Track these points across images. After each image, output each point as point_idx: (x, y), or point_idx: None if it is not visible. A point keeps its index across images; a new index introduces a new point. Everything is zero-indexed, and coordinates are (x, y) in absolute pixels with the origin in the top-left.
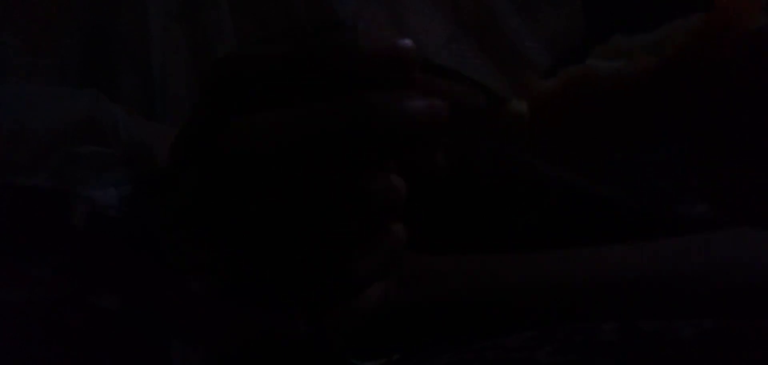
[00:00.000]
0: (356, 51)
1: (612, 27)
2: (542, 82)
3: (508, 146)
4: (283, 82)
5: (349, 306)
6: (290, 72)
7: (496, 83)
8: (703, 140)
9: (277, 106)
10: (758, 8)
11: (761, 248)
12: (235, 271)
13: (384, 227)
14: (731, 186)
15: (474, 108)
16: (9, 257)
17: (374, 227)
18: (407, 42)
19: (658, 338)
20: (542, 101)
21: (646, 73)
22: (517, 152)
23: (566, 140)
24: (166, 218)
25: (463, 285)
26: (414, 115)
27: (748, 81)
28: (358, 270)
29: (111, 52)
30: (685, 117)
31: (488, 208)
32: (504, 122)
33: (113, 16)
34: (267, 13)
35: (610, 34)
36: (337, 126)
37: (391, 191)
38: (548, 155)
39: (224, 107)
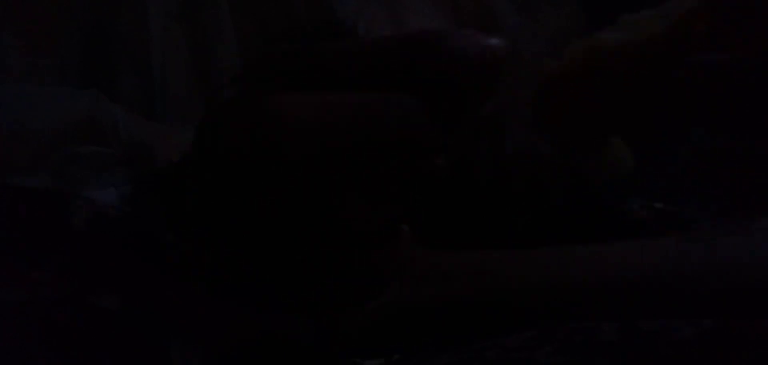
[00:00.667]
0: (445, 49)
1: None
2: (549, 63)
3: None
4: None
5: (363, 306)
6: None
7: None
8: (715, 116)
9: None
10: None
11: (761, 248)
12: (244, 271)
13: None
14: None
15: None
16: (9, 257)
17: (395, 223)
18: (498, 42)
19: (658, 338)
20: (550, 81)
21: (652, 42)
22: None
23: (576, 121)
24: (174, 215)
25: (463, 285)
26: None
27: (759, 44)
28: (377, 269)
29: (111, 52)
30: (695, 88)
31: (488, 208)
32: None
33: (113, 16)
34: (267, 13)
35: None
36: (370, 122)
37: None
38: (557, 137)
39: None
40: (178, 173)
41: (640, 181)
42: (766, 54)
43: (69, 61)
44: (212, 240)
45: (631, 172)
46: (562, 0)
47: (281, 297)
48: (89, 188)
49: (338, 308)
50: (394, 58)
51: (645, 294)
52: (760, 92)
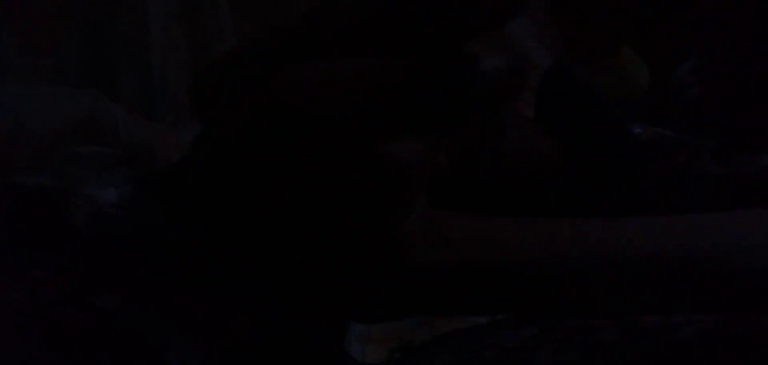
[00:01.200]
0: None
1: None
2: None
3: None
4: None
5: (379, 278)
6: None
7: None
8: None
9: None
10: None
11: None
12: (247, 267)
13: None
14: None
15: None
16: (9, 257)
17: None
18: None
19: (658, 337)
20: None
21: None
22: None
23: (583, 26)
24: (174, 214)
25: (476, 250)
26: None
27: None
28: (392, 239)
29: (111, 52)
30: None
31: (489, 207)
32: None
33: (113, 16)
34: (267, 13)
35: None
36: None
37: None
38: (569, 45)
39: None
40: (184, 168)
41: (644, 106)
42: None
43: (69, 61)
44: (215, 236)
45: (645, 88)
46: None
47: (285, 290)
48: (89, 188)
49: (354, 282)
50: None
51: (656, 271)
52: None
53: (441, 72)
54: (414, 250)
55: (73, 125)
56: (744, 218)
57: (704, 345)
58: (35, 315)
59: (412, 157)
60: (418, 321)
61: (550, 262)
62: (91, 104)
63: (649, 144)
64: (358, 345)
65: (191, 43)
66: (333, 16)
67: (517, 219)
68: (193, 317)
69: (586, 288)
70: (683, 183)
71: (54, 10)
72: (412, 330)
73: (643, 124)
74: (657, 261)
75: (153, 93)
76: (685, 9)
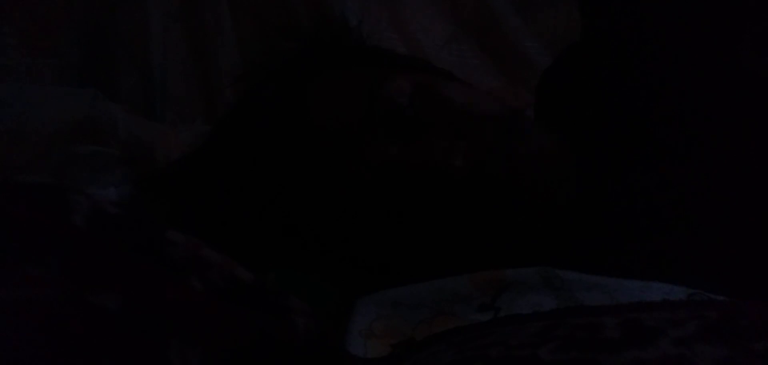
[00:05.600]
0: None
1: (606, 25)
2: None
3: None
4: None
5: None
6: None
7: (496, 83)
8: None
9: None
10: None
11: None
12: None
13: None
14: None
15: (487, 114)
16: (9, 256)
17: None
18: None
19: (660, 334)
20: None
21: None
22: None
23: None
24: (177, 210)
25: None
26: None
27: None
28: None
29: (111, 52)
30: None
31: (500, 208)
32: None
33: (113, 16)
34: (267, 13)
35: (604, 31)
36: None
37: None
38: None
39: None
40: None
41: None
42: None
43: (69, 61)
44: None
45: None
46: (559, 1)
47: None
48: (89, 188)
49: None
50: None
51: None
52: None
53: None
54: None
55: (73, 125)
56: None
57: (707, 342)
58: (35, 315)
59: None
60: (419, 319)
61: None
62: (91, 104)
63: None
64: (360, 341)
65: (191, 43)
66: None
67: None
68: (193, 317)
69: None
70: None
71: (54, 10)
72: (413, 327)
73: None
74: None
75: (153, 93)
76: None
